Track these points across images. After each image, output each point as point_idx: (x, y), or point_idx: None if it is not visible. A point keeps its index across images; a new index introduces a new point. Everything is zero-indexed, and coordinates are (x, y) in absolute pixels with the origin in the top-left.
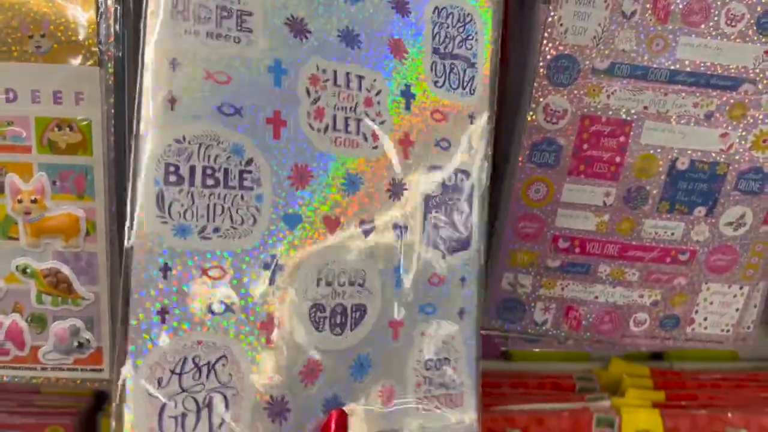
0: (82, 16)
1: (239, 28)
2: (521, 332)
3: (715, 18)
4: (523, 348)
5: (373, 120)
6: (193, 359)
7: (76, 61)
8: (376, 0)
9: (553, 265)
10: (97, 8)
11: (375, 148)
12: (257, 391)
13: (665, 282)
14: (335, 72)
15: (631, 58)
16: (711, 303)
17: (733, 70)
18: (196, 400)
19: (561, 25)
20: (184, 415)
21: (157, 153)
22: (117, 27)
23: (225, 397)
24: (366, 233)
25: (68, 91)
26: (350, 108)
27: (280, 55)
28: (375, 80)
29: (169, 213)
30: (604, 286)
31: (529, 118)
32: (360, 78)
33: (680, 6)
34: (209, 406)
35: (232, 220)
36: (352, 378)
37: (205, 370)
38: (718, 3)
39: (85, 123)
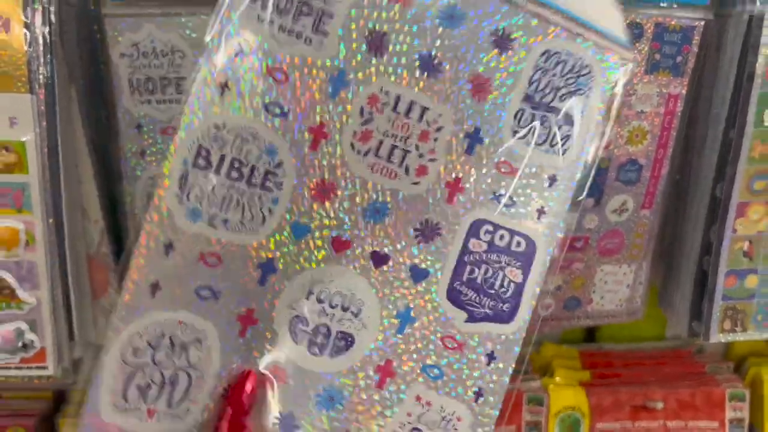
0: (12, 47)
1: (315, 29)
2: None
3: None
4: None
5: (422, 155)
6: (171, 337)
7: (9, 88)
8: (476, 29)
9: None
10: (27, 39)
11: (416, 183)
12: (219, 378)
13: (565, 268)
14: (398, 97)
15: None
16: (606, 283)
17: None
18: (163, 375)
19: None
20: (148, 386)
21: (194, 134)
22: (47, 56)
23: (189, 378)
24: (376, 265)
25: (3, 117)
26: (401, 138)
27: (346, 66)
28: (440, 115)
29: (187, 195)
30: None
31: None
32: (424, 109)
33: None
34: (173, 383)
35: (242, 215)
36: (316, 407)
37: (178, 349)
38: None
39: (19, 145)
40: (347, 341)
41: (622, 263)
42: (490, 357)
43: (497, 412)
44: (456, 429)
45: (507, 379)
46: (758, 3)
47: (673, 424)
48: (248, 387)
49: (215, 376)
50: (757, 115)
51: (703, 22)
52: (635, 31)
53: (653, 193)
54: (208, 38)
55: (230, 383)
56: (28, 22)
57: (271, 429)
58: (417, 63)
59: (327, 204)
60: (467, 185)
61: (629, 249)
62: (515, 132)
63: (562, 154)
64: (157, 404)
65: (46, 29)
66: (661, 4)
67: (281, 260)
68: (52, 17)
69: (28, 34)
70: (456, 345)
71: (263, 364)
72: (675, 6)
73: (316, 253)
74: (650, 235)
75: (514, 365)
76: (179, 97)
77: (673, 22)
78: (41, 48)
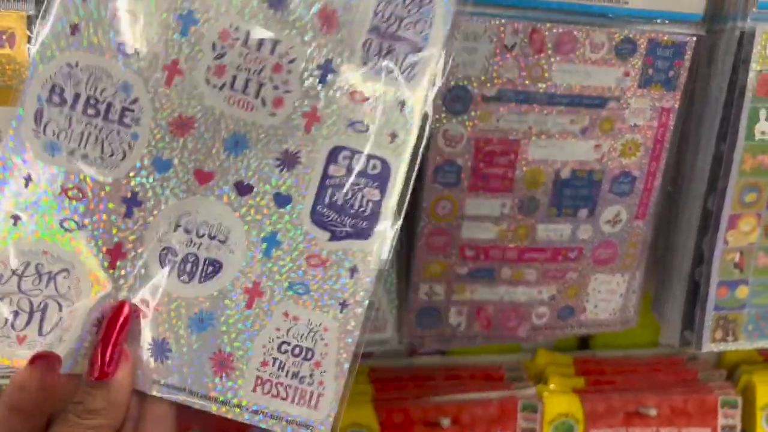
0: (16, 61)
1: None
2: (439, 336)
3: (582, 47)
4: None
5: (277, 87)
6: (36, 266)
7: (13, 102)
8: None
9: (462, 272)
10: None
11: (273, 114)
12: (91, 308)
13: (559, 278)
14: (248, 33)
15: (515, 85)
16: (599, 292)
17: (599, 91)
18: (31, 303)
19: (453, 60)
20: (16, 313)
21: (47, 73)
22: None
23: (60, 306)
24: (241, 194)
25: (7, 130)
26: (254, 71)
27: (194, 5)
28: (292, 47)
29: (44, 129)
30: (507, 287)
31: (431, 144)
32: (275, 43)
33: (552, 38)
34: (43, 310)
35: (102, 150)
36: (188, 330)
37: (45, 278)
38: (583, 34)
39: None
40: (215, 267)
41: (615, 273)
42: (353, 270)
43: (361, 319)
44: (323, 338)
45: (369, 289)
46: (749, 19)
47: (666, 430)
48: (122, 317)
49: (87, 306)
50: (748, 129)
51: (695, 38)
52: (629, 46)
53: (646, 204)
54: None
55: (104, 315)
56: (32, 36)
57: (145, 355)
58: None
59: (186, 138)
60: (323, 114)
61: (623, 259)
62: (365, 61)
63: (410, 81)
64: (27, 331)
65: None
66: (655, 20)
67: (145, 194)
68: None
69: (32, 48)
70: (320, 262)
71: (135, 296)
72: (668, 22)
73: (180, 185)
74: (643, 245)
75: (375, 276)
76: None
77: (665, 38)
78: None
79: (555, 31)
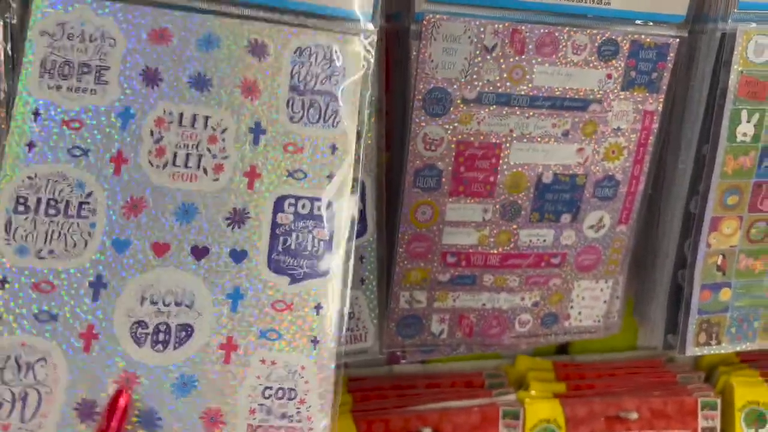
0: None
1: (96, 81)
2: (421, 345)
3: (564, 48)
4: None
5: (215, 156)
6: (16, 358)
7: None
8: (232, 45)
9: (444, 279)
10: None
11: (216, 180)
12: (70, 393)
13: (542, 284)
14: (181, 114)
15: (496, 87)
16: (583, 298)
17: (582, 93)
18: (12, 393)
19: (432, 60)
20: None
21: (11, 188)
22: (8, 72)
23: (39, 394)
24: (198, 258)
25: None
26: (192, 145)
27: (129, 103)
28: (222, 119)
29: (13, 236)
30: (489, 294)
31: (410, 147)
32: (206, 118)
33: (533, 39)
34: (24, 399)
35: (66, 243)
36: (173, 396)
37: (24, 368)
38: (565, 35)
39: None
40: (187, 331)
41: (599, 279)
42: (318, 307)
43: (334, 353)
44: (302, 376)
45: (336, 323)
46: (730, 20)
47: None
48: (121, 406)
49: (65, 391)
50: (730, 131)
51: (677, 40)
52: (611, 48)
53: (630, 209)
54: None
55: (84, 398)
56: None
57: (136, 429)
58: (188, 84)
59: (140, 216)
60: (262, 170)
61: (606, 264)
62: (291, 117)
63: (335, 126)
64: (10, 420)
65: (8, 45)
66: (637, 22)
67: (109, 275)
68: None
69: None
70: (286, 306)
71: (114, 374)
72: (651, 24)
73: (140, 261)
74: (627, 250)
75: (338, 309)
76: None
77: (648, 39)
78: (2, 66)
79: (536, 32)
